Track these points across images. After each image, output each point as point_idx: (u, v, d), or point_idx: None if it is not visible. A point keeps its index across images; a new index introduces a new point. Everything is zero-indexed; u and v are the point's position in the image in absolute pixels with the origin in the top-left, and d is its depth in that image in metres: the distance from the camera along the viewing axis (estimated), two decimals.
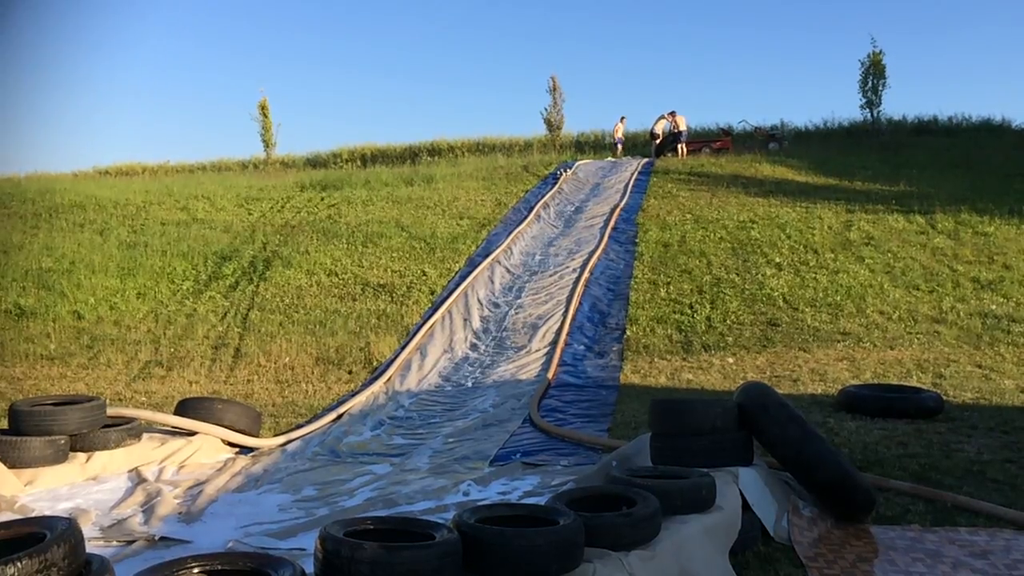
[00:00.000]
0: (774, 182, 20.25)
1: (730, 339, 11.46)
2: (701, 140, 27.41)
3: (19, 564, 2.74)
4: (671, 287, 13.49)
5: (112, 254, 16.23)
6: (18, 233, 17.70)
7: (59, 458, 6.42)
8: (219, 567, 3.20)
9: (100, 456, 6.66)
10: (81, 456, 6.61)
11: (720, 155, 24.77)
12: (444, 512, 5.45)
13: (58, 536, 2.92)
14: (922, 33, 72.84)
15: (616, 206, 18.41)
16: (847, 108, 59.72)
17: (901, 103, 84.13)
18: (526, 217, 18.01)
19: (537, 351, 11.36)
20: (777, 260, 14.33)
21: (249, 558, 3.30)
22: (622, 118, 28.76)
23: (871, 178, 20.07)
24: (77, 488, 6.26)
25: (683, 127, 26.17)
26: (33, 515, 5.17)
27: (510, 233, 16.74)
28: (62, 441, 6.45)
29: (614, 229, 16.80)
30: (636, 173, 22.08)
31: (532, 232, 17.21)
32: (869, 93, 27.63)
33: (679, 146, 25.78)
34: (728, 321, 12.05)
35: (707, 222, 16.77)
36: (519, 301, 13.44)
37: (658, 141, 26.78)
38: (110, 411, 7.07)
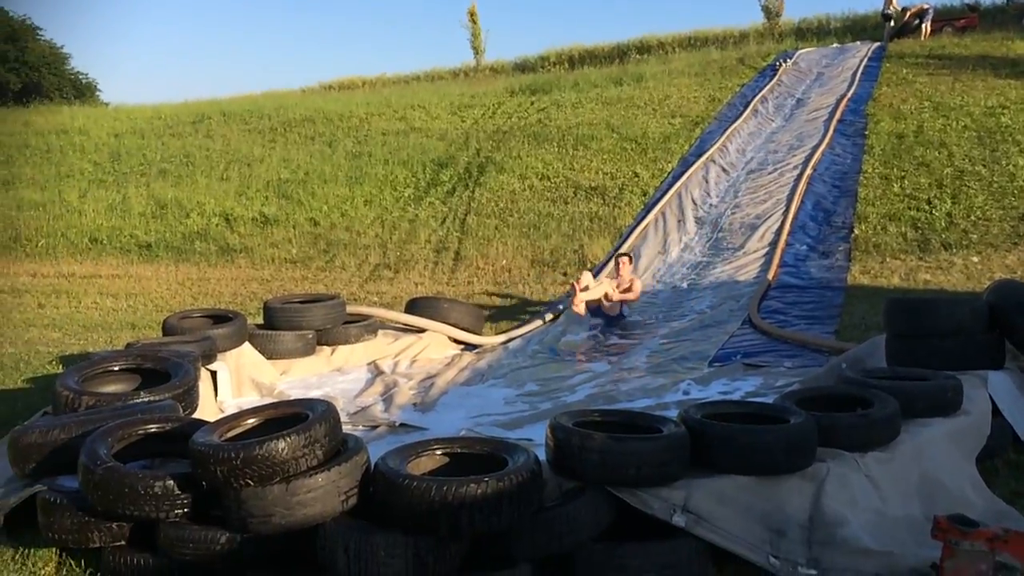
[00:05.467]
0: None
1: (975, 236, 10.48)
2: (943, 19, 24.54)
3: (289, 439, 3.05)
4: (905, 182, 12.45)
5: (340, 164, 17.25)
6: (258, 147, 19.20)
7: (308, 351, 7.06)
8: (458, 450, 3.41)
9: (342, 350, 7.27)
10: (326, 349, 7.23)
11: (965, 34, 22.18)
12: (664, 410, 5.45)
13: (320, 416, 3.21)
14: None
15: (843, 96, 17.08)
16: None
17: None
18: (742, 113, 17.15)
19: (755, 252, 10.97)
20: None
21: (486, 443, 3.49)
22: None
23: None
24: (324, 378, 6.87)
25: (927, 5, 23.55)
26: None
27: (725, 130, 16.03)
28: (310, 335, 7.08)
29: (840, 121, 15.63)
30: (866, 59, 20.29)
31: (749, 128, 16.40)
32: None
33: (924, 26, 23.24)
34: (972, 217, 11.00)
35: (948, 109, 15.20)
36: (736, 201, 12.96)
37: (892, 23, 24.32)
38: (348, 309, 7.66)
